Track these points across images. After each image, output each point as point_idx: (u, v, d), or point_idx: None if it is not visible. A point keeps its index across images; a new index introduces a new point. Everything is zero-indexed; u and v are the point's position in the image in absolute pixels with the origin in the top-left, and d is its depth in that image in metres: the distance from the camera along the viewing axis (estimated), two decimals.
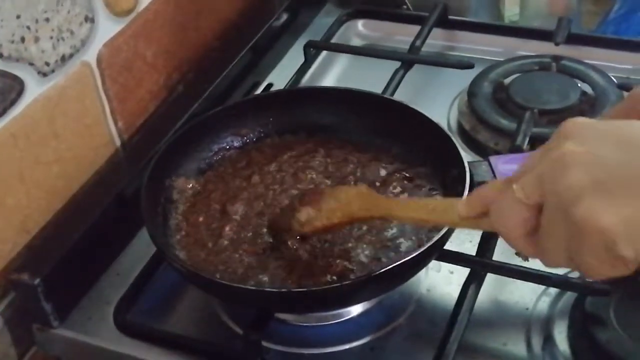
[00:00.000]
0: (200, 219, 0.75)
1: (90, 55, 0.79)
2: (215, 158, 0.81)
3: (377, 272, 0.62)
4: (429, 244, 0.64)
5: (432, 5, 1.06)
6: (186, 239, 0.72)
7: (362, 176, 0.78)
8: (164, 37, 0.91)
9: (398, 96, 0.91)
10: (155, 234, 0.68)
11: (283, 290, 0.64)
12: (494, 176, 0.71)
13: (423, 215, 0.59)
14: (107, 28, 0.81)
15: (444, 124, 0.93)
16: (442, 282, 0.75)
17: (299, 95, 0.84)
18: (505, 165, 0.71)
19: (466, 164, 0.71)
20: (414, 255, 0.63)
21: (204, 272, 0.66)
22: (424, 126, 0.78)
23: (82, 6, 0.76)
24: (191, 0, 0.94)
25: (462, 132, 0.92)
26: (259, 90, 0.99)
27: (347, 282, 0.63)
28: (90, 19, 0.78)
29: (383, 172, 0.79)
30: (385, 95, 0.85)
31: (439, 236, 0.65)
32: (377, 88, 0.91)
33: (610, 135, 0.47)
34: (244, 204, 0.76)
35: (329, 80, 1.03)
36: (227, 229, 0.73)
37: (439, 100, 0.97)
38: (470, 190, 0.69)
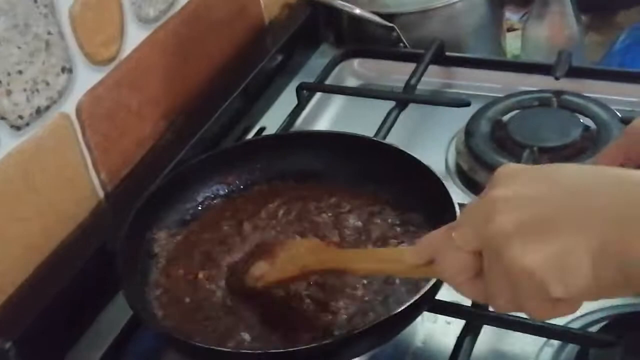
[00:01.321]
0: (180, 272, 0.71)
1: (69, 106, 0.76)
2: (199, 208, 0.78)
3: (360, 330, 0.59)
4: (414, 299, 0.60)
5: (428, 38, 1.04)
6: (166, 296, 0.69)
7: (354, 224, 0.75)
8: (150, 84, 0.89)
9: (393, 137, 0.89)
10: (130, 293, 0.65)
11: (261, 352, 0.61)
12: None
13: (375, 266, 0.60)
14: (87, 78, 0.78)
15: (441, 165, 0.91)
16: (438, 333, 0.72)
17: (287, 141, 0.81)
18: None
19: (457, 210, 0.68)
20: (402, 309, 0.60)
21: (179, 334, 0.62)
22: (416, 170, 0.74)
23: (59, 57, 0.74)
24: (178, 46, 0.92)
25: (461, 173, 0.89)
26: (250, 135, 0.96)
27: (328, 342, 0.60)
28: (67, 70, 0.76)
29: (377, 220, 0.75)
30: (376, 139, 0.82)
31: (426, 289, 0.61)
32: (372, 129, 0.89)
33: (538, 177, 0.47)
34: (233, 252, 0.73)
35: (323, 122, 1.00)
36: (200, 275, 0.70)
37: (436, 140, 0.94)
38: None
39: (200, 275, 0.71)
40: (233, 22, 1.03)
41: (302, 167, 0.79)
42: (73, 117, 0.77)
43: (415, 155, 0.90)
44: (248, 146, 0.82)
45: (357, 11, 1.06)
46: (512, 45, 1.24)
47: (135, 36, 0.85)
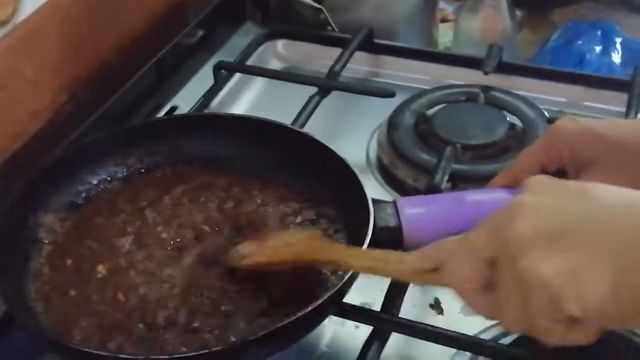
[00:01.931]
0: (69, 261, 0.65)
1: None
2: (93, 191, 0.71)
3: (259, 335, 0.54)
4: (319, 301, 0.55)
5: (358, 25, 0.99)
6: (48, 287, 0.62)
7: (263, 214, 0.69)
8: (50, 52, 0.81)
9: (313, 125, 0.83)
10: (5, 283, 0.58)
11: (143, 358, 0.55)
12: (399, 220, 0.63)
13: (374, 265, 0.56)
14: None
15: (362, 158, 0.86)
16: (346, 337, 0.67)
17: (195, 123, 0.75)
18: (412, 209, 0.64)
19: (371, 207, 0.63)
20: (306, 312, 0.55)
21: (55, 334, 0.56)
22: (330, 162, 0.69)
23: None
24: (85, 12, 0.85)
25: (381, 167, 0.84)
26: (160, 114, 0.90)
27: (222, 348, 0.54)
28: None
29: (287, 210, 0.70)
30: (291, 126, 0.76)
31: (333, 291, 0.56)
32: (292, 115, 0.83)
33: (573, 191, 0.45)
34: (130, 241, 0.66)
35: (241, 105, 0.94)
36: (99, 268, 0.64)
37: (358, 131, 0.89)
38: (372, 235, 0.61)
39: (100, 268, 0.64)
40: None
41: (210, 151, 0.74)
42: None
43: (336, 146, 0.86)
44: (152, 126, 0.76)
45: None
46: (444, 36, 1.21)
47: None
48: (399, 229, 0.62)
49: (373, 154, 0.86)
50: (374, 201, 0.65)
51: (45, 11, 0.79)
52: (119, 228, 0.68)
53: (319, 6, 1.01)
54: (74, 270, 0.64)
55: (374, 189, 0.81)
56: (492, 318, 0.49)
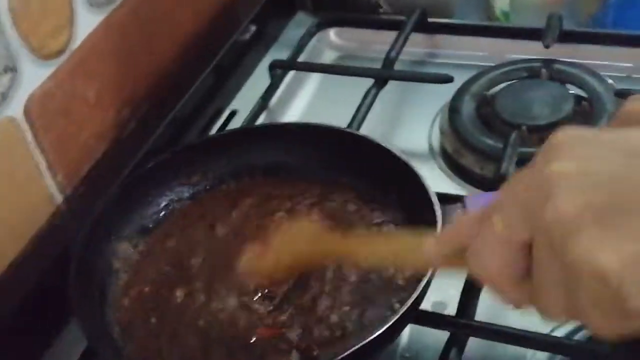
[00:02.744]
0: (146, 289, 0.66)
1: (15, 108, 0.70)
2: (162, 213, 0.72)
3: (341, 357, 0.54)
4: (396, 317, 0.55)
5: (412, 4, 0.96)
6: (127, 316, 0.64)
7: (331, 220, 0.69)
8: (109, 70, 0.82)
9: (373, 117, 0.83)
10: (86, 320, 0.60)
11: None
12: None
13: (387, 254, 0.52)
14: (35, 74, 0.72)
15: (424, 147, 0.85)
16: (424, 340, 0.66)
17: (254, 134, 0.75)
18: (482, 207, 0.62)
19: (438, 210, 0.62)
20: (371, 338, 0.54)
21: None
22: (392, 163, 0.68)
23: (0, 55, 0.68)
24: (138, 26, 0.85)
25: (445, 155, 0.82)
26: (221, 119, 0.90)
27: None
28: (11, 69, 0.69)
29: (354, 214, 0.70)
30: (349, 130, 0.75)
31: (408, 305, 0.56)
32: (350, 108, 0.83)
33: (609, 148, 0.37)
34: (204, 261, 0.67)
35: (299, 102, 0.93)
36: (177, 292, 0.65)
37: (418, 118, 0.88)
38: None
39: (178, 292, 0.65)
40: None
41: (272, 161, 0.74)
42: (21, 120, 0.71)
43: (397, 137, 0.86)
44: (212, 142, 0.76)
45: None
46: (502, 1, 1.16)
47: (87, 21, 0.78)
48: None
49: (436, 143, 0.84)
50: (440, 199, 0.63)
51: (99, 31, 0.79)
52: (192, 249, 0.69)
53: None
54: (152, 296, 0.65)
55: (439, 179, 0.80)
56: (528, 306, 0.41)
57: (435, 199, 0.63)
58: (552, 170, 0.36)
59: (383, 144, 0.69)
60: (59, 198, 0.76)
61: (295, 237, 0.58)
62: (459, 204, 0.63)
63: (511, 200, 0.39)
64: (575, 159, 0.36)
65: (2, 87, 0.69)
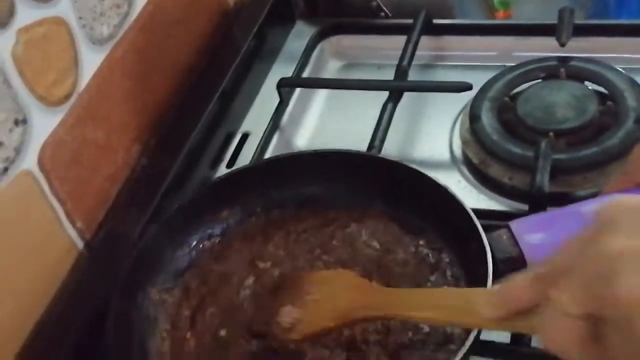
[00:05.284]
0: (188, 334, 0.64)
1: (29, 161, 0.67)
2: (194, 253, 0.70)
3: None
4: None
5: (411, 5, 0.94)
6: None
7: (371, 249, 0.67)
8: (115, 110, 0.79)
9: (391, 129, 0.80)
10: None
11: None
12: (518, 248, 0.60)
13: (439, 315, 0.51)
14: (45, 124, 0.69)
15: (446, 156, 0.83)
16: None
17: (278, 166, 0.72)
18: (531, 234, 0.60)
19: (485, 240, 0.60)
20: None
21: None
22: (426, 187, 0.66)
23: (9, 109, 0.65)
24: (139, 60, 0.82)
25: (470, 166, 0.80)
26: (234, 143, 0.88)
27: None
28: (21, 121, 0.66)
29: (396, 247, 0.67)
30: (376, 155, 0.73)
31: (467, 346, 0.54)
32: (366, 122, 0.80)
33: None
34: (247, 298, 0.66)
35: (311, 118, 0.91)
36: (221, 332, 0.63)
37: (436, 126, 0.86)
38: (494, 268, 0.59)
39: (222, 333, 0.63)
40: (195, 14, 0.92)
41: (301, 192, 0.72)
42: (36, 171, 0.68)
43: (417, 146, 0.84)
44: (236, 176, 0.72)
45: None
46: None
47: (91, 61, 0.74)
48: (520, 258, 0.58)
49: (458, 151, 0.82)
50: (484, 227, 0.62)
51: (103, 71, 0.76)
52: (232, 286, 0.67)
53: None
54: (195, 342, 0.63)
55: (466, 191, 0.78)
56: None
57: (480, 228, 0.61)
58: (613, 245, 0.38)
59: (420, 170, 0.66)
60: (80, 245, 0.73)
61: (335, 292, 0.56)
62: (504, 230, 0.61)
63: (573, 273, 0.39)
64: (630, 235, 0.38)
65: (15, 142, 0.66)
